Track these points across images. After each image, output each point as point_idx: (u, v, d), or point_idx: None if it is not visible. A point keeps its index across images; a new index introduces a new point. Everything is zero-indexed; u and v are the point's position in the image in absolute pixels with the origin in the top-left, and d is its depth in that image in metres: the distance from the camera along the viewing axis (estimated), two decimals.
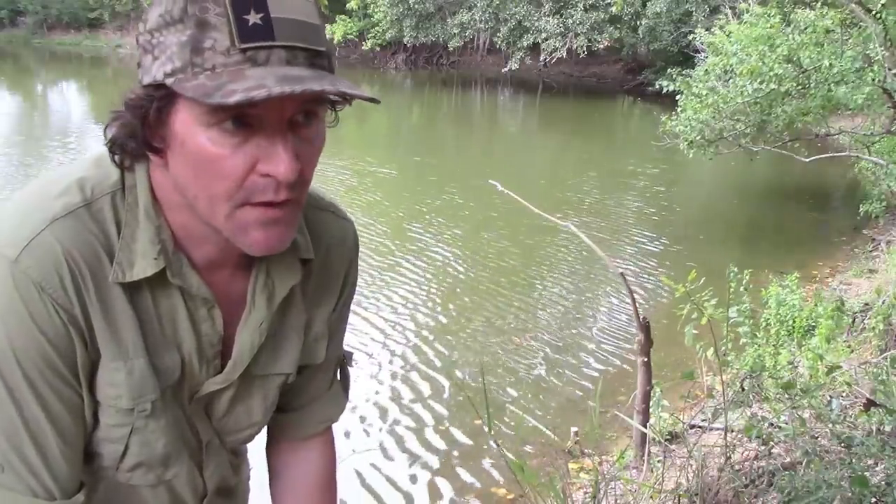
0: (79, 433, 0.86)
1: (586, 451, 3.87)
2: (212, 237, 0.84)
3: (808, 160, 9.47)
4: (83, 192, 0.82)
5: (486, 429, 3.17)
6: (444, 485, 3.82)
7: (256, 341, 0.93)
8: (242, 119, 0.73)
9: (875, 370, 3.35)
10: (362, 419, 4.28)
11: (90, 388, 0.85)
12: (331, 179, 9.73)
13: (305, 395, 1.07)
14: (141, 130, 0.77)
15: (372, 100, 0.75)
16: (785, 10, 9.15)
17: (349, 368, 1.13)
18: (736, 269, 4.54)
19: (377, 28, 25.61)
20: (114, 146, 0.80)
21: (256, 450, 1.20)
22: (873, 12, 7.28)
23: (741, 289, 4.49)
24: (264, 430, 1.08)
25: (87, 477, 0.90)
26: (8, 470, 0.82)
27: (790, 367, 4.17)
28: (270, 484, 1.12)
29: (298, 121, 0.76)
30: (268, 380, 0.99)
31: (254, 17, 0.71)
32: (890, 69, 7.56)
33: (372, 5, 25.19)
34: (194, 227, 0.84)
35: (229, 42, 0.71)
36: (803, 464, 2.29)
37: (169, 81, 0.73)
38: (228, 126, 0.73)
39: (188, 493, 0.99)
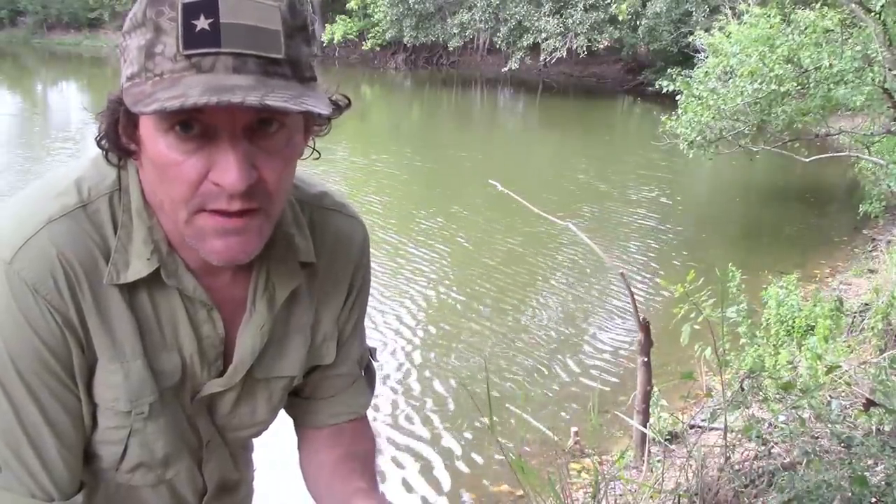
0: (77, 435, 0.85)
1: (586, 451, 3.88)
2: None
3: (808, 160, 9.47)
4: (80, 193, 0.82)
5: (489, 428, 3.18)
6: (445, 482, 3.83)
7: (258, 345, 0.92)
8: (192, 125, 0.72)
9: (874, 370, 3.35)
10: None
11: (88, 391, 0.84)
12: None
13: (322, 393, 1.06)
14: (113, 133, 0.77)
15: (307, 112, 0.71)
16: (785, 10, 9.15)
17: (374, 363, 1.12)
18: (732, 269, 4.55)
19: (377, 28, 25.61)
20: (100, 144, 0.81)
21: (261, 451, 1.20)
22: (873, 12, 7.28)
23: (735, 289, 4.50)
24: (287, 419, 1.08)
25: (87, 478, 0.90)
26: (6, 471, 0.82)
27: (790, 367, 4.17)
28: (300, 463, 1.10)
29: (263, 130, 0.74)
30: (271, 382, 0.98)
31: (202, 23, 0.69)
32: (890, 69, 7.56)
33: (372, 5, 25.18)
34: (178, 230, 0.83)
35: (176, 48, 0.70)
36: (803, 464, 2.29)
37: (126, 86, 0.73)
38: (179, 132, 0.72)
39: (189, 491, 0.99)
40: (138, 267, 0.82)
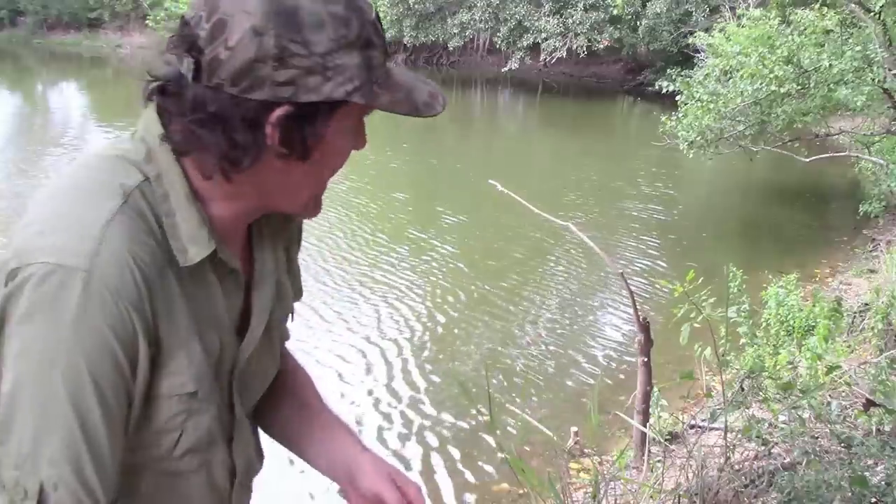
0: (122, 440, 0.84)
1: (586, 451, 3.88)
2: (248, 219, 0.94)
3: (808, 160, 9.47)
4: (120, 189, 0.82)
5: (489, 427, 3.18)
6: (445, 482, 3.83)
7: (273, 291, 0.99)
8: None
9: (874, 370, 3.35)
10: (366, 416, 4.29)
11: (147, 385, 0.84)
12: None
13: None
14: (302, 142, 0.84)
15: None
16: (785, 10, 9.15)
17: None
18: (735, 269, 4.55)
19: None
20: (233, 155, 0.83)
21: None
22: (873, 12, 7.29)
23: (737, 289, 4.50)
24: None
25: (130, 477, 0.89)
26: (62, 489, 0.77)
27: (790, 367, 4.17)
28: None
29: None
30: (280, 323, 1.05)
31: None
32: (890, 69, 7.57)
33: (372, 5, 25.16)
34: (238, 212, 0.91)
35: (383, 57, 0.84)
36: (803, 464, 2.29)
37: (356, 98, 0.82)
38: (359, 121, 0.88)
39: (222, 474, 1.00)
40: (197, 249, 0.85)
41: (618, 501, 2.55)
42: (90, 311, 0.76)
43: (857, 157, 9.66)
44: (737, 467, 2.43)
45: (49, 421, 0.76)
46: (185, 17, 0.83)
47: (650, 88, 16.73)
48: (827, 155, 9.74)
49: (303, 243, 1.12)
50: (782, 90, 8.15)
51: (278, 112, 0.80)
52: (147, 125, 0.87)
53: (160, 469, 0.92)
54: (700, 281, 2.89)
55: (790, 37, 8.36)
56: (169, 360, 0.84)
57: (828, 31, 8.40)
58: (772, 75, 8.06)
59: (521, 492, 3.56)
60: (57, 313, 0.75)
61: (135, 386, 0.82)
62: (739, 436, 2.57)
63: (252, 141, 0.82)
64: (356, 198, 9.09)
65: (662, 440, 3.37)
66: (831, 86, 8.31)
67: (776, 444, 2.56)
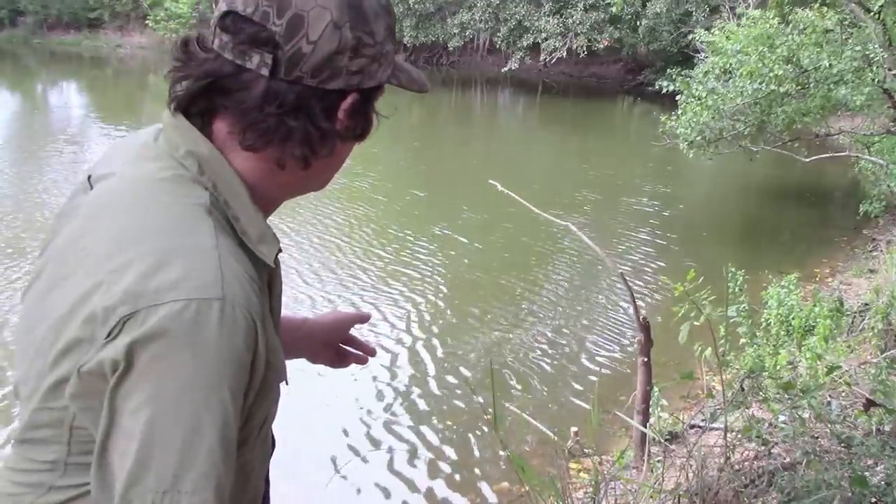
0: None
1: (586, 450, 3.88)
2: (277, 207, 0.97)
3: (808, 160, 9.48)
4: (201, 209, 0.82)
5: (493, 427, 3.17)
6: (445, 481, 3.83)
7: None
8: None
9: (874, 370, 3.35)
10: (368, 416, 4.29)
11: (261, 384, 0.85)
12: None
13: None
14: (365, 124, 0.90)
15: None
16: (784, 10, 9.16)
17: None
18: (734, 269, 4.55)
19: None
20: (318, 142, 0.87)
21: None
22: (873, 12, 7.29)
23: (737, 289, 4.50)
24: None
25: None
26: None
27: (790, 367, 4.17)
28: None
29: None
30: None
31: None
32: (889, 69, 7.57)
33: None
34: (279, 201, 0.94)
35: (396, 42, 0.90)
36: (803, 464, 2.29)
37: (392, 80, 0.90)
38: None
39: (269, 449, 1.01)
40: (269, 248, 0.88)
41: (618, 501, 2.55)
42: (227, 336, 0.75)
43: (857, 157, 9.66)
44: (737, 467, 2.44)
45: (193, 453, 0.74)
46: (237, 12, 0.81)
47: (650, 88, 16.73)
48: (827, 155, 9.74)
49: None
50: (782, 89, 8.15)
51: (349, 99, 0.86)
52: (184, 135, 0.86)
53: (238, 462, 0.91)
54: (700, 281, 2.89)
55: (790, 36, 8.36)
56: (274, 358, 0.84)
57: (827, 31, 8.40)
58: (771, 74, 8.06)
59: (521, 491, 3.56)
60: (197, 347, 0.74)
61: (251, 389, 0.81)
62: (739, 436, 2.58)
63: (332, 128, 0.86)
64: (377, 195, 9.13)
65: (662, 440, 3.37)
66: (831, 86, 8.31)
67: (776, 444, 2.56)
